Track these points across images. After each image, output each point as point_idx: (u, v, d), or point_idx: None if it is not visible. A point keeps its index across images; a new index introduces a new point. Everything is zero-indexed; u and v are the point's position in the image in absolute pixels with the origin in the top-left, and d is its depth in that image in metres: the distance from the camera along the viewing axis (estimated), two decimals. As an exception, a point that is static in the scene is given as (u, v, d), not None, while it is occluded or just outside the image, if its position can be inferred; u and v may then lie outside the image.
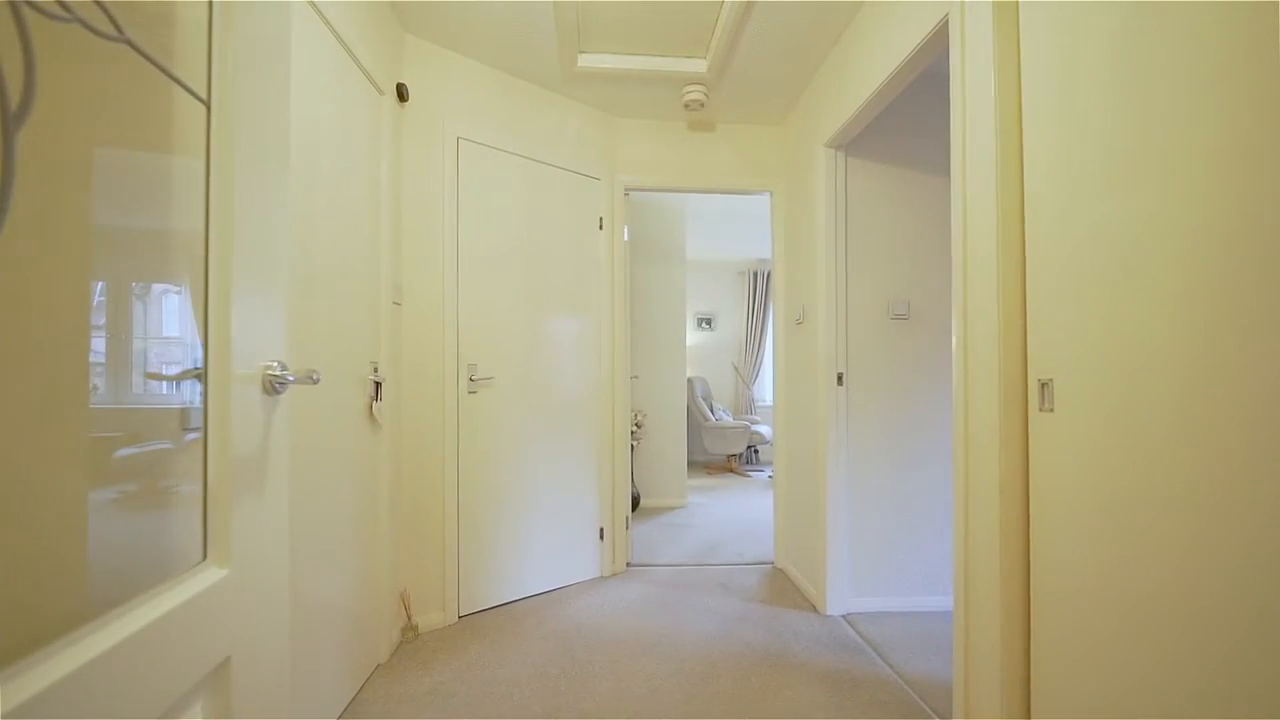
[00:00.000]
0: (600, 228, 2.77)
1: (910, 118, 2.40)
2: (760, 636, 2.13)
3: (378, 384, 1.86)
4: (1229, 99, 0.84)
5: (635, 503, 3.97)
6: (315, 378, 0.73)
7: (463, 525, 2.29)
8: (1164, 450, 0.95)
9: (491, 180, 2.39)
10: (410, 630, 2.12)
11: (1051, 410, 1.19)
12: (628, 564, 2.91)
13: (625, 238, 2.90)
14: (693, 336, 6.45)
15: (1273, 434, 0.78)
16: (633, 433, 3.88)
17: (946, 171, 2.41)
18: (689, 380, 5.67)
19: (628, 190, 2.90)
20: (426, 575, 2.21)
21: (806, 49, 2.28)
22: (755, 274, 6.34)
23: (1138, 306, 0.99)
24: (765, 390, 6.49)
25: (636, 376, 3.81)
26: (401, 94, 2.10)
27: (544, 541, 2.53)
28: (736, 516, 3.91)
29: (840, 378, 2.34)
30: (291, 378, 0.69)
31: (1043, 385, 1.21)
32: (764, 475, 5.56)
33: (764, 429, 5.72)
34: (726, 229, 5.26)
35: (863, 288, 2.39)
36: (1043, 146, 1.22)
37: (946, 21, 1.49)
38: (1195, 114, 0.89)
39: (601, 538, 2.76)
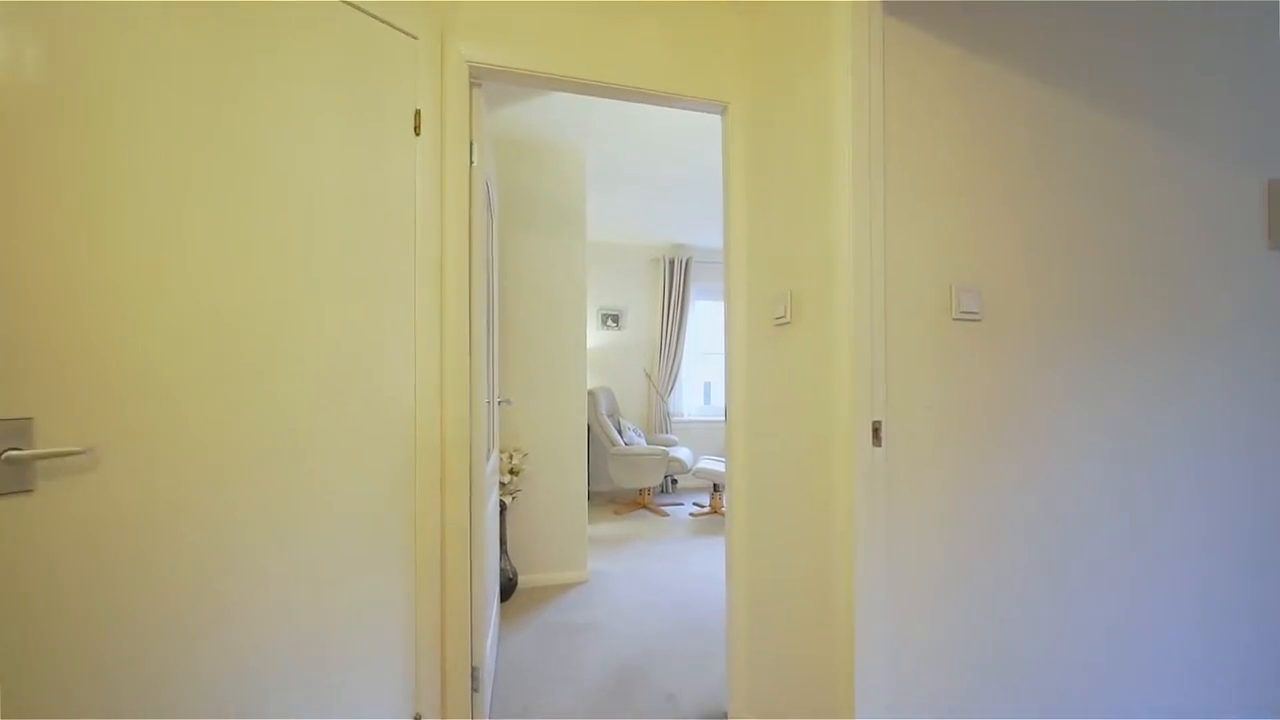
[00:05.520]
0: (416, 131, 1.43)
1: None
2: None
3: None
4: None
5: (508, 589, 2.66)
6: None
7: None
8: None
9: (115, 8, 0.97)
10: None
11: None
12: (476, 755, 1.61)
13: (472, 159, 1.58)
14: (596, 337, 5.22)
15: None
16: (505, 484, 2.57)
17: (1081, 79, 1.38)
18: (590, 393, 4.43)
19: (475, 73, 1.58)
20: None
21: None
22: (672, 261, 5.24)
23: None
24: (683, 402, 5.43)
25: (508, 401, 2.51)
26: None
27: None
28: (660, 596, 2.74)
29: (877, 431, 1.22)
30: None
31: None
32: (685, 511, 4.47)
33: (683, 453, 4.63)
34: (638, 203, 4.08)
35: (908, 267, 1.29)
36: None
37: None
38: None
39: (417, 731, 1.43)
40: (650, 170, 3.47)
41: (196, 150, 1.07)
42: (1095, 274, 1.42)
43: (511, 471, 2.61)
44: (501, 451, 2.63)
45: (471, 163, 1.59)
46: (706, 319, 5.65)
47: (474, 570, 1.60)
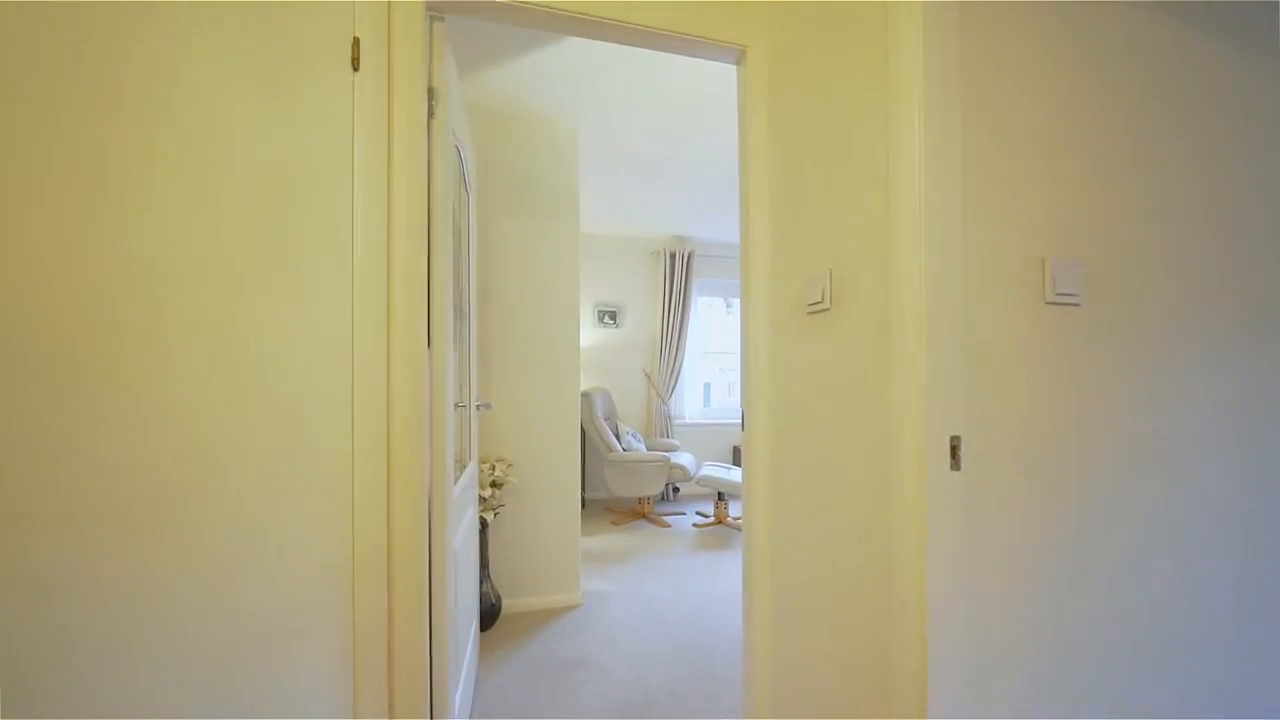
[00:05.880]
0: (355, 65, 1.12)
1: None
2: None
3: None
4: None
5: (490, 617, 2.36)
6: None
7: None
8: None
9: None
10: None
11: None
12: (439, 846, 1.31)
13: (433, 111, 1.28)
14: (592, 335, 4.92)
15: None
16: (485, 499, 2.27)
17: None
18: (585, 395, 4.13)
19: (434, 4, 1.28)
20: None
21: None
22: (673, 255, 4.94)
23: None
24: (684, 405, 5.13)
25: (488, 405, 2.19)
26: None
27: None
28: (663, 620, 2.44)
29: (956, 449, 0.92)
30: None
31: None
32: (687, 521, 4.17)
33: (685, 459, 4.33)
34: (638, 190, 3.78)
35: (989, 234, 0.99)
36: None
37: None
38: None
39: (361, 826, 1.12)
40: (651, 150, 3.17)
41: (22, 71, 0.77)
42: (1227, 249, 1.12)
43: (493, 484, 2.31)
44: (482, 462, 2.33)
45: (432, 115, 1.29)
46: (706, 317, 5.35)
47: (436, 615, 1.29)
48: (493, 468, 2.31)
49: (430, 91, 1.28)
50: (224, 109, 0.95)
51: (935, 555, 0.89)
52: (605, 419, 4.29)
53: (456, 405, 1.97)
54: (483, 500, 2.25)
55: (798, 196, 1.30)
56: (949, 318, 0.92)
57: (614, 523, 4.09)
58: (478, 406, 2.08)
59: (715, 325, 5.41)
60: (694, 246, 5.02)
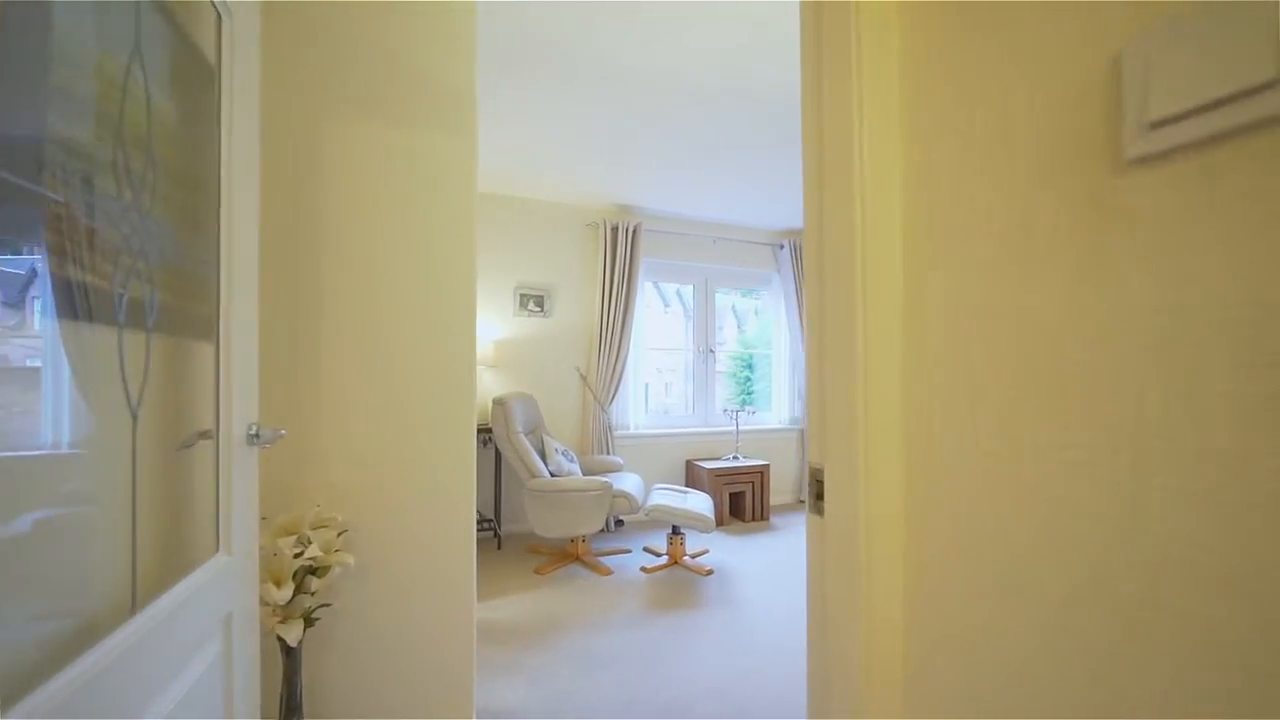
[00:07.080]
0: None
1: None
2: None
3: None
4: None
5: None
6: None
7: None
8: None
9: None
10: None
11: None
12: None
13: None
14: (513, 325, 3.91)
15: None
16: (283, 608, 1.24)
17: None
18: (500, 403, 3.12)
19: None
20: None
21: None
22: (615, 228, 4.02)
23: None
24: (627, 412, 4.22)
25: (276, 435, 1.16)
26: None
27: None
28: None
29: None
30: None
31: None
32: (634, 561, 3.26)
33: (630, 483, 3.41)
34: (562, 132, 2.83)
35: None
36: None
37: None
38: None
39: None
40: (587, 62, 2.23)
41: None
42: None
43: (309, 572, 1.28)
44: (283, 534, 1.29)
45: None
46: (643, 312, 4.48)
47: None
48: (302, 543, 1.28)
49: None
50: None
51: None
52: (527, 433, 3.30)
53: (201, 436, 0.97)
54: (275, 609, 1.22)
55: None
56: None
57: (538, 570, 3.10)
58: (253, 438, 1.06)
59: (653, 323, 4.56)
60: (641, 219, 4.13)
